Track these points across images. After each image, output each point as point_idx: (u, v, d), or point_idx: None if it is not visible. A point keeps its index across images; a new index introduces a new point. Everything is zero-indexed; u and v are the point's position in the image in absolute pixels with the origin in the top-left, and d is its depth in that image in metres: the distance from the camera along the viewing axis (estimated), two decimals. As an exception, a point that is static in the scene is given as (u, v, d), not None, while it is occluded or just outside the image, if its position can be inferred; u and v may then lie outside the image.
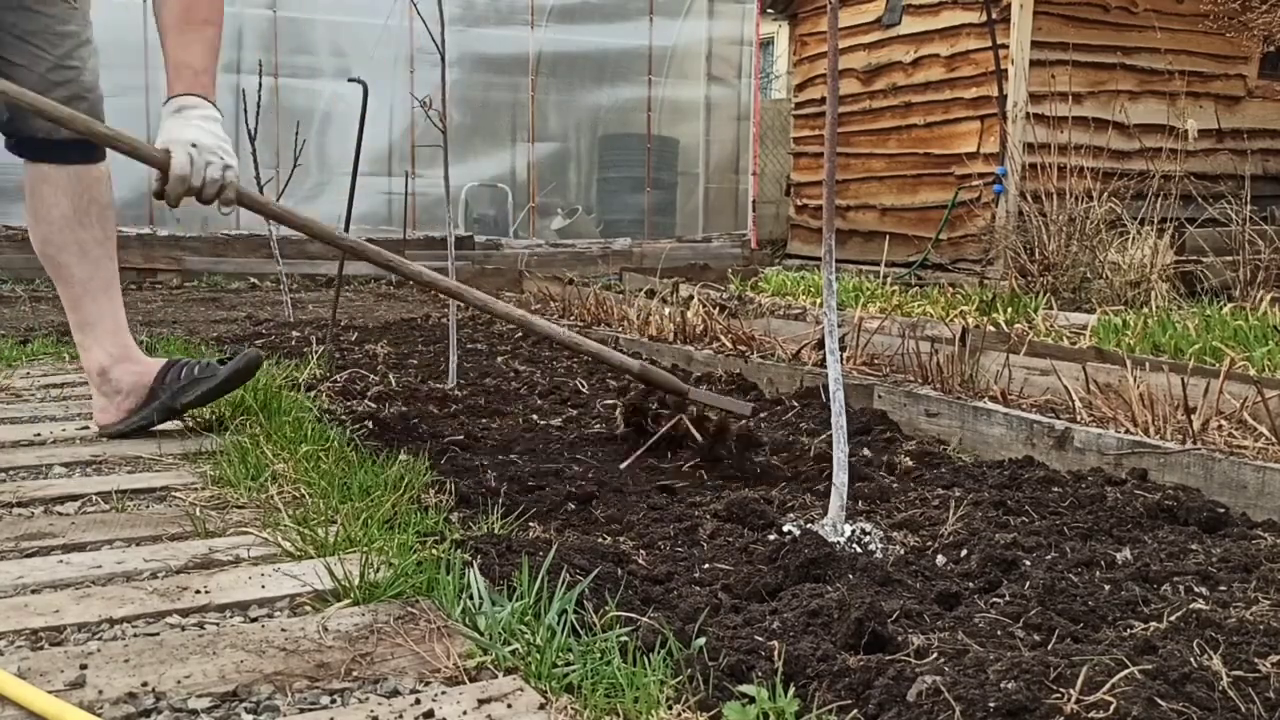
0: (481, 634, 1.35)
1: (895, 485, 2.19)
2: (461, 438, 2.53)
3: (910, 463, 2.36)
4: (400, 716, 1.16)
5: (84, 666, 1.27)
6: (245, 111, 4.98)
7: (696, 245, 9.88)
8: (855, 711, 1.17)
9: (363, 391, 3.10)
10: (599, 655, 1.26)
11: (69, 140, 2.32)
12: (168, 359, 2.57)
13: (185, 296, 7.05)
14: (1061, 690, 1.16)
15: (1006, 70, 7.93)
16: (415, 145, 9.04)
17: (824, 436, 2.47)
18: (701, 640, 1.30)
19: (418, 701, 1.19)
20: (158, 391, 2.48)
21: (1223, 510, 1.96)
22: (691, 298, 5.09)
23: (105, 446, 2.42)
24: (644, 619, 1.36)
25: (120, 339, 2.51)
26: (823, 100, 9.73)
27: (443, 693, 1.21)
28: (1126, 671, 1.18)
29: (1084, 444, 2.34)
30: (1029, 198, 7.23)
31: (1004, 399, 2.80)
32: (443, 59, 3.37)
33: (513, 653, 1.29)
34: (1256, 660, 1.27)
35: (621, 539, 1.82)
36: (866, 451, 2.47)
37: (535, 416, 2.86)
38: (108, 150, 2.35)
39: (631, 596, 1.50)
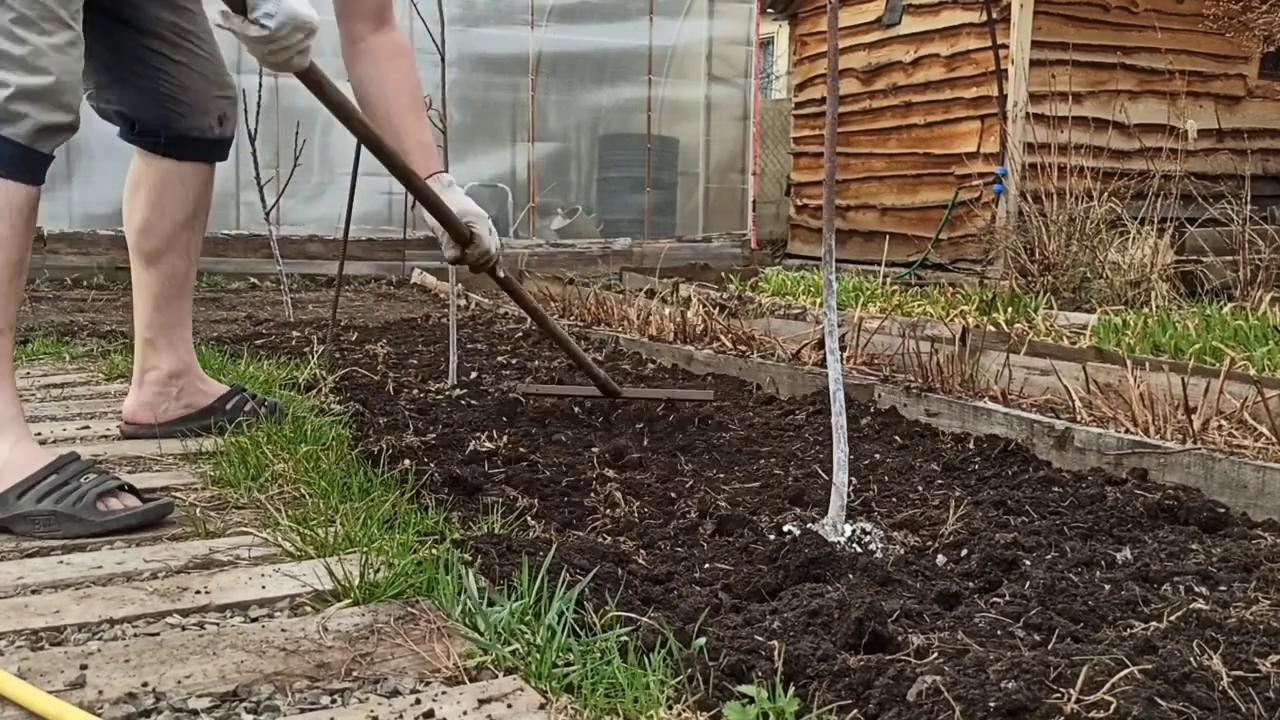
0: (481, 634, 1.35)
1: (895, 485, 2.19)
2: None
3: (910, 461, 2.35)
4: (400, 716, 1.16)
5: (84, 667, 1.27)
6: (246, 112, 4.97)
7: (697, 245, 9.87)
8: (855, 711, 1.17)
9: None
10: (599, 655, 1.26)
11: (216, 138, 2.43)
12: (234, 385, 2.62)
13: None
14: (1062, 690, 1.16)
15: (1007, 70, 7.93)
16: (416, 145, 9.03)
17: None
18: (701, 640, 1.30)
19: (418, 701, 1.19)
20: (213, 412, 2.52)
21: (1223, 510, 1.96)
22: (691, 298, 5.09)
23: (105, 446, 2.43)
24: (644, 619, 1.36)
25: (190, 349, 2.54)
26: (823, 100, 9.73)
27: (443, 693, 1.21)
28: (1126, 671, 1.18)
29: (1084, 444, 2.34)
30: (1029, 198, 7.23)
31: (1004, 399, 2.80)
32: (442, 59, 3.37)
33: (513, 653, 1.29)
34: (1257, 660, 1.27)
35: (621, 538, 1.82)
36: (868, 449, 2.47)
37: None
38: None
39: (631, 596, 1.50)
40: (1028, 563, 1.67)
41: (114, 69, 2.33)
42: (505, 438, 2.47)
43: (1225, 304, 5.43)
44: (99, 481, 1.85)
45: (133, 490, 1.90)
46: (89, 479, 1.85)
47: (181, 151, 2.39)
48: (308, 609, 1.47)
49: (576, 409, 2.91)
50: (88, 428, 2.63)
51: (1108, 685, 1.15)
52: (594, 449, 2.44)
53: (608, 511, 1.94)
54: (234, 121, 2.48)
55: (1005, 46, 7.94)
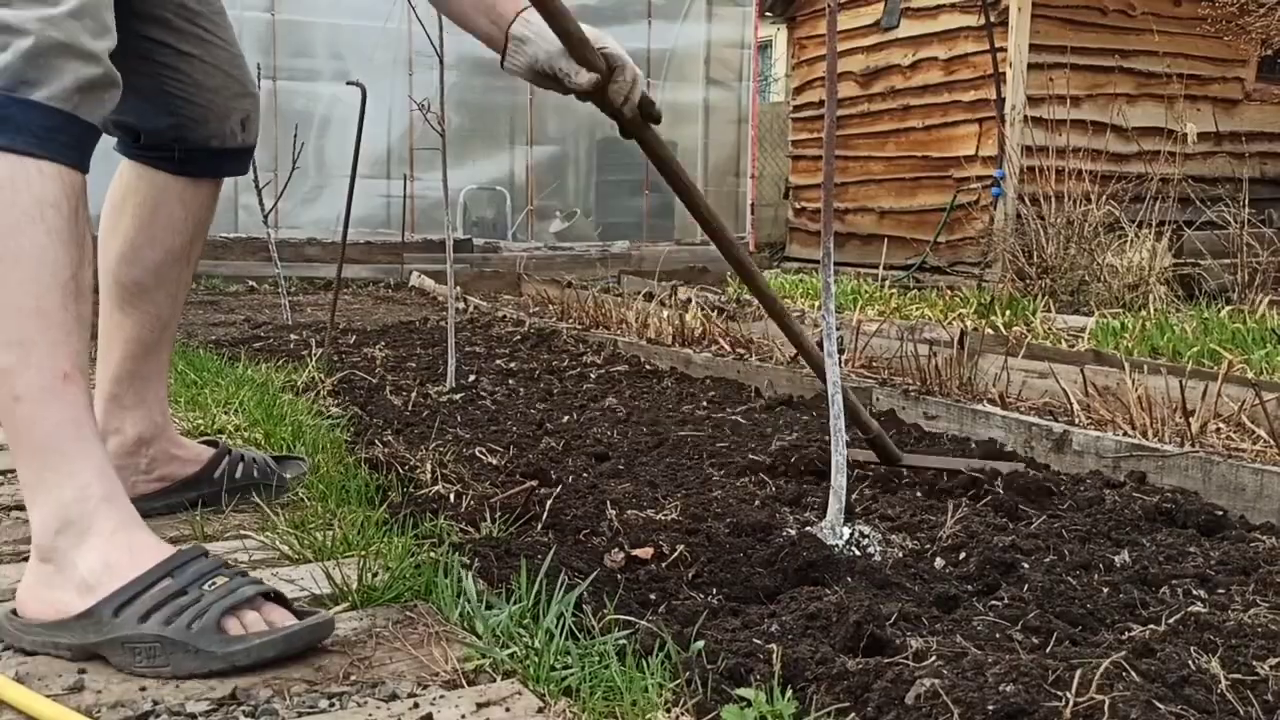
0: (479, 637, 1.35)
1: (894, 487, 2.18)
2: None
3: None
4: (398, 720, 1.16)
5: (82, 671, 1.27)
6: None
7: (695, 248, 9.87)
8: (853, 714, 1.17)
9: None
10: (597, 658, 1.26)
11: (237, 148, 1.91)
12: (217, 443, 2.03)
13: (182, 299, 7.03)
14: (1060, 693, 1.16)
15: (1005, 73, 7.94)
16: (414, 148, 9.05)
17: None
18: (700, 643, 1.30)
19: (416, 705, 1.19)
20: (197, 484, 1.95)
21: (1221, 513, 1.96)
22: (690, 300, 5.09)
23: (103, 450, 2.42)
24: (642, 622, 1.36)
25: (165, 408, 1.97)
26: (821, 103, 9.74)
27: (441, 696, 1.21)
28: (1125, 674, 1.18)
29: (1083, 447, 2.34)
30: (1027, 200, 7.24)
31: (1002, 402, 2.80)
32: (441, 62, 3.37)
33: (511, 656, 1.29)
34: (1255, 663, 1.27)
35: (621, 538, 1.81)
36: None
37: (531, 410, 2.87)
38: None
39: (630, 599, 1.50)
40: (1026, 566, 1.67)
41: None
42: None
43: (1223, 307, 5.44)
44: (229, 589, 1.33)
45: (279, 598, 1.37)
46: (215, 585, 1.34)
47: (195, 167, 1.88)
48: (306, 612, 1.47)
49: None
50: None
51: (1106, 688, 1.15)
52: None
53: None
54: (257, 125, 1.95)
55: (1003, 50, 7.95)
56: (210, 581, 1.33)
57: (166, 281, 1.91)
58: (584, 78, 1.82)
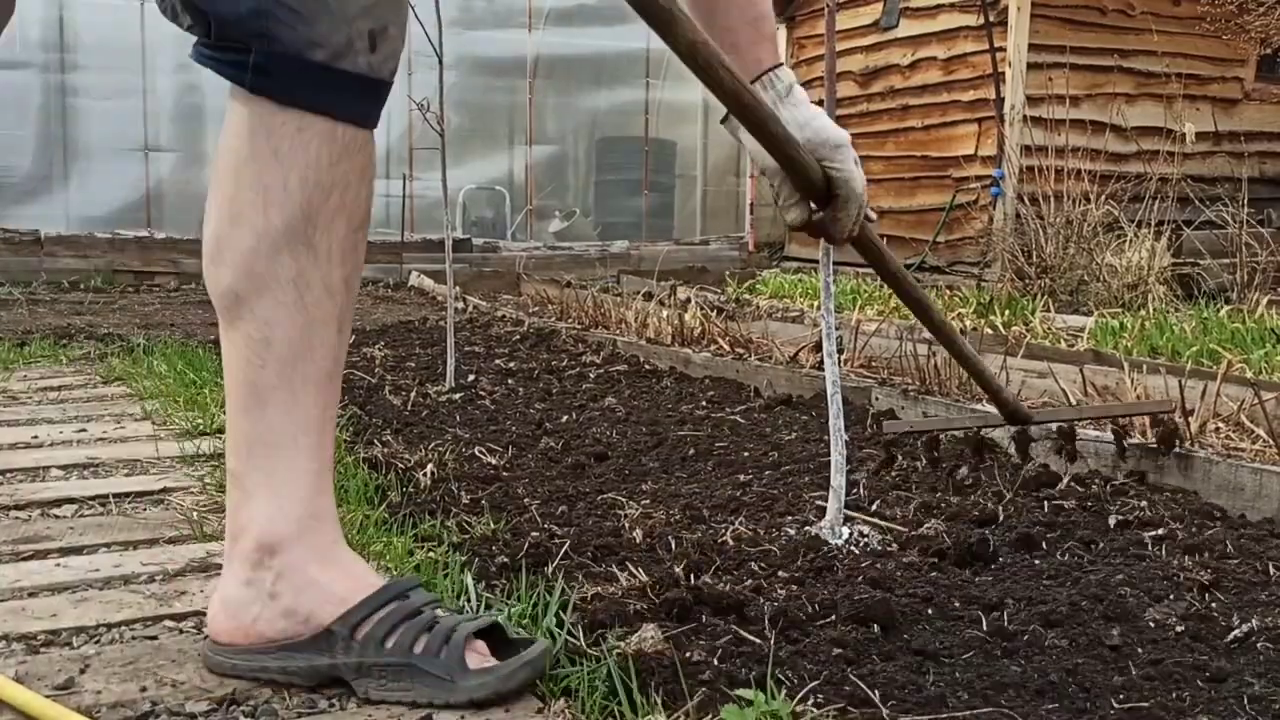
0: (479, 637, 1.35)
1: (893, 487, 2.18)
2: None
3: (908, 464, 2.35)
4: (398, 720, 1.16)
5: (82, 670, 1.27)
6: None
7: (694, 248, 9.88)
8: (853, 713, 1.17)
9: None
10: (596, 659, 1.26)
11: (361, 73, 1.24)
12: (390, 581, 1.32)
13: (183, 299, 7.04)
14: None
15: (1004, 73, 7.93)
16: (413, 148, 9.04)
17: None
18: (700, 642, 1.30)
19: (416, 705, 1.19)
20: (334, 638, 1.24)
21: (1220, 513, 1.96)
22: (689, 300, 5.09)
23: (102, 449, 2.42)
24: (642, 621, 1.36)
25: (315, 498, 1.30)
26: (820, 103, 9.71)
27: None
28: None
29: (1082, 447, 2.34)
30: (1026, 200, 7.23)
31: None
32: (440, 62, 3.37)
33: (510, 656, 1.29)
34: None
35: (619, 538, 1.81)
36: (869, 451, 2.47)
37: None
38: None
39: (628, 599, 1.49)
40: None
41: None
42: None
43: (1222, 307, 5.44)
44: (461, 617, 1.25)
45: (498, 631, 1.27)
46: (443, 613, 1.27)
47: (289, 86, 1.21)
48: (305, 612, 1.47)
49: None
50: (84, 430, 2.63)
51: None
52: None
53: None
54: (397, 49, 1.29)
55: (1002, 49, 7.95)
56: (433, 606, 1.27)
57: (273, 281, 1.23)
58: (793, 215, 1.53)
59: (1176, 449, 2.14)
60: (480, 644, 1.24)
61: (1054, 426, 2.29)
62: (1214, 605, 1.47)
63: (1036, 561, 1.70)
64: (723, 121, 1.50)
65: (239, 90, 1.23)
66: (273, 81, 1.20)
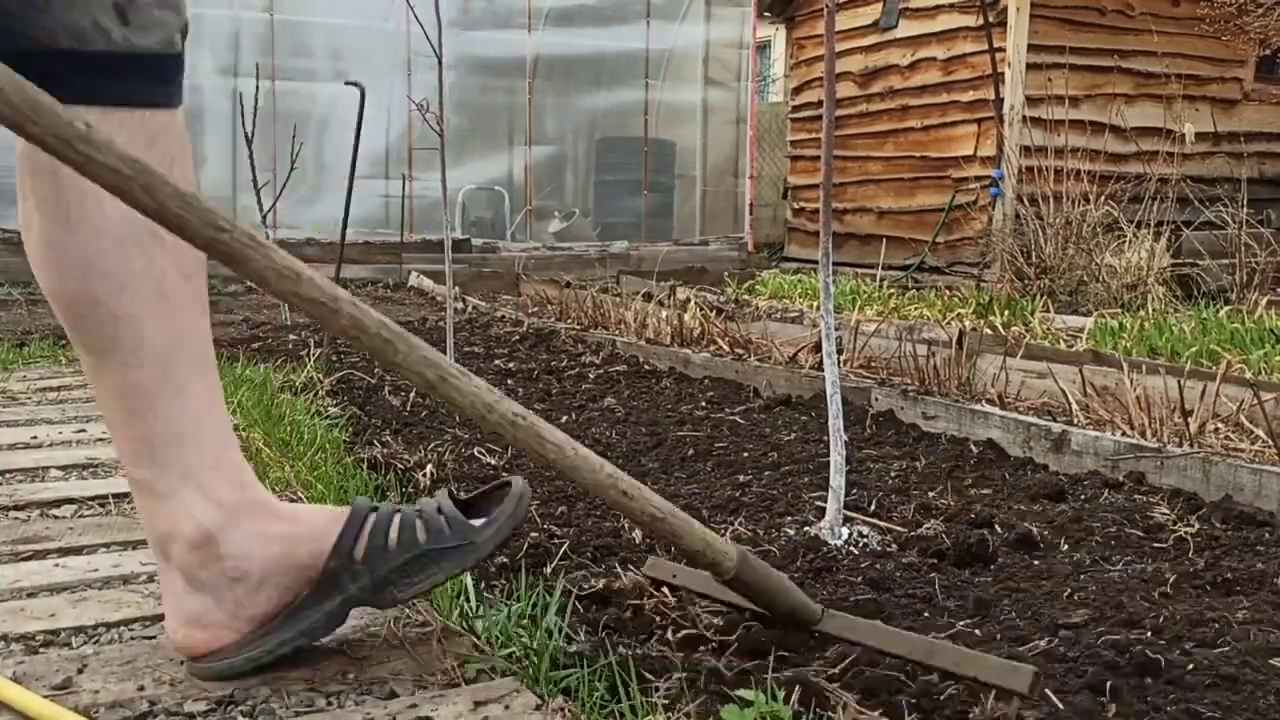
0: (479, 637, 1.35)
1: (893, 487, 2.18)
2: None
3: (907, 464, 2.35)
4: (396, 719, 1.16)
5: (80, 670, 1.27)
6: (243, 115, 4.97)
7: (694, 248, 9.87)
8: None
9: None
10: (596, 659, 1.26)
11: (116, 52, 1.14)
12: (350, 506, 1.29)
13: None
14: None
15: (1003, 73, 7.94)
16: (413, 148, 9.04)
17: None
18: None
19: (414, 705, 1.19)
20: (337, 574, 1.24)
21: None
22: (688, 300, 5.09)
23: (101, 449, 2.42)
24: (647, 645, 1.36)
25: (235, 472, 1.27)
26: (820, 103, 9.74)
27: (440, 695, 1.21)
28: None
29: (1081, 447, 2.34)
30: (1026, 201, 7.24)
31: (1001, 402, 2.80)
32: (440, 62, 3.37)
33: (509, 656, 1.29)
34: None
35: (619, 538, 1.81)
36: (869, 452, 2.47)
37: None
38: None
39: (626, 598, 1.49)
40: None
41: None
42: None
43: (1221, 307, 5.44)
44: (433, 501, 1.30)
45: (453, 496, 1.32)
46: (407, 507, 1.30)
47: (66, 84, 1.05)
48: (304, 612, 1.47)
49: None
50: (84, 430, 2.63)
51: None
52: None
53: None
54: (163, 19, 1.16)
55: (1002, 50, 7.95)
56: (402, 507, 1.28)
57: (126, 278, 1.17)
58: None
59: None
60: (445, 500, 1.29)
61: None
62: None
63: (1035, 562, 1.71)
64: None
65: None
66: (47, 84, 0.97)
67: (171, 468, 1.22)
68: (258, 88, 5.44)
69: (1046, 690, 1.18)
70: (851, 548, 1.75)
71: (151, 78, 1.17)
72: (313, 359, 3.61)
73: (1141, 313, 5.55)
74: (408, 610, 1.44)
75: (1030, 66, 7.88)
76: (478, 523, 1.24)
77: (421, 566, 1.22)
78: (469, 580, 1.49)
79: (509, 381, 3.46)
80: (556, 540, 1.73)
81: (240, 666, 1.22)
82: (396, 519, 1.25)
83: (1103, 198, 6.73)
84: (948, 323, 4.76)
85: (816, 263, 1.82)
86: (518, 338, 4.51)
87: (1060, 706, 1.15)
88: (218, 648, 1.23)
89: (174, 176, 1.03)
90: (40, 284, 1.20)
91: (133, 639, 1.38)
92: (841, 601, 1.47)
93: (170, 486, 1.22)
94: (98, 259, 1.16)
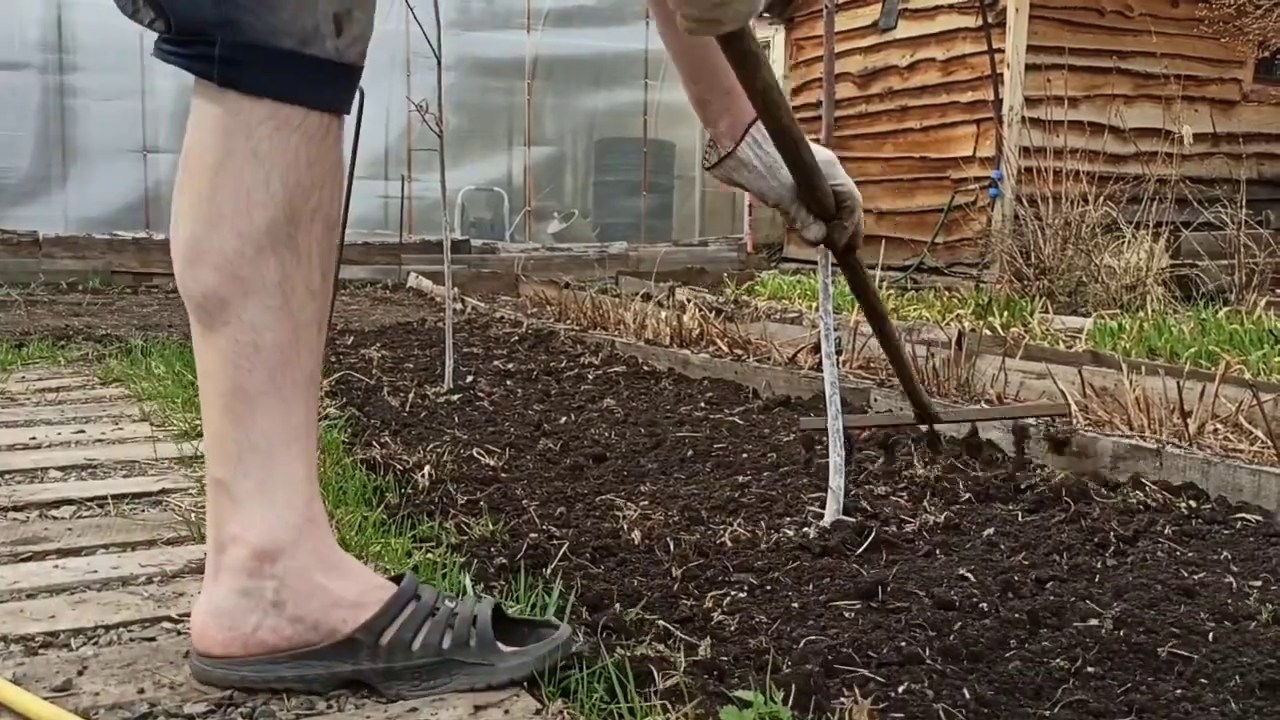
0: (478, 639, 1.35)
1: (892, 487, 2.18)
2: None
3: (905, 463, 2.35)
4: (396, 722, 1.16)
5: (80, 672, 1.27)
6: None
7: (693, 249, 9.88)
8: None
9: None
10: (596, 659, 1.26)
11: (327, 58, 1.20)
12: (397, 585, 1.29)
13: (181, 301, 7.04)
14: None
15: (1002, 74, 7.94)
16: (412, 149, 9.04)
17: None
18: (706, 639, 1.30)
19: (415, 709, 1.19)
20: (358, 646, 1.24)
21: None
22: (687, 301, 5.09)
23: (100, 450, 2.42)
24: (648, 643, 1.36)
25: (310, 501, 1.27)
26: (819, 104, 9.74)
27: (440, 700, 1.21)
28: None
29: (1080, 447, 2.34)
30: (1025, 201, 7.24)
31: (1000, 402, 2.80)
32: (439, 63, 3.37)
33: (509, 657, 1.29)
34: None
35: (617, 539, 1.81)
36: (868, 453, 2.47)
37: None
38: None
39: (625, 600, 1.49)
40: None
41: None
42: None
43: (1220, 308, 5.44)
44: (472, 603, 1.28)
45: (498, 611, 1.30)
46: (449, 602, 1.28)
47: (259, 76, 1.16)
48: (304, 614, 1.46)
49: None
50: (83, 431, 2.63)
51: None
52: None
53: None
54: (364, 33, 1.24)
55: (1001, 51, 7.95)
56: (446, 599, 1.27)
57: (256, 283, 1.20)
58: (814, 233, 1.70)
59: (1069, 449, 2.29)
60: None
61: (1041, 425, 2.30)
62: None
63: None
64: (711, 168, 1.66)
65: (206, 85, 1.18)
66: (241, 72, 1.14)
67: (252, 476, 1.23)
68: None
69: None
70: (851, 547, 1.75)
71: (347, 86, 1.24)
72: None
73: (1140, 313, 5.55)
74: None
75: (1029, 67, 7.88)
76: (507, 649, 1.24)
77: (434, 673, 1.22)
78: (468, 581, 1.49)
79: (508, 382, 3.46)
80: (555, 541, 1.73)
81: (234, 681, 1.23)
82: (428, 623, 1.24)
83: (1102, 198, 6.73)
84: (947, 323, 4.76)
85: (816, 263, 1.83)
86: (517, 338, 4.51)
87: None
88: (225, 655, 1.23)
89: (335, 197, 1.22)
90: (176, 279, 1.24)
91: (132, 641, 1.38)
92: (842, 601, 1.47)
93: (247, 494, 1.23)
94: (235, 261, 1.19)
